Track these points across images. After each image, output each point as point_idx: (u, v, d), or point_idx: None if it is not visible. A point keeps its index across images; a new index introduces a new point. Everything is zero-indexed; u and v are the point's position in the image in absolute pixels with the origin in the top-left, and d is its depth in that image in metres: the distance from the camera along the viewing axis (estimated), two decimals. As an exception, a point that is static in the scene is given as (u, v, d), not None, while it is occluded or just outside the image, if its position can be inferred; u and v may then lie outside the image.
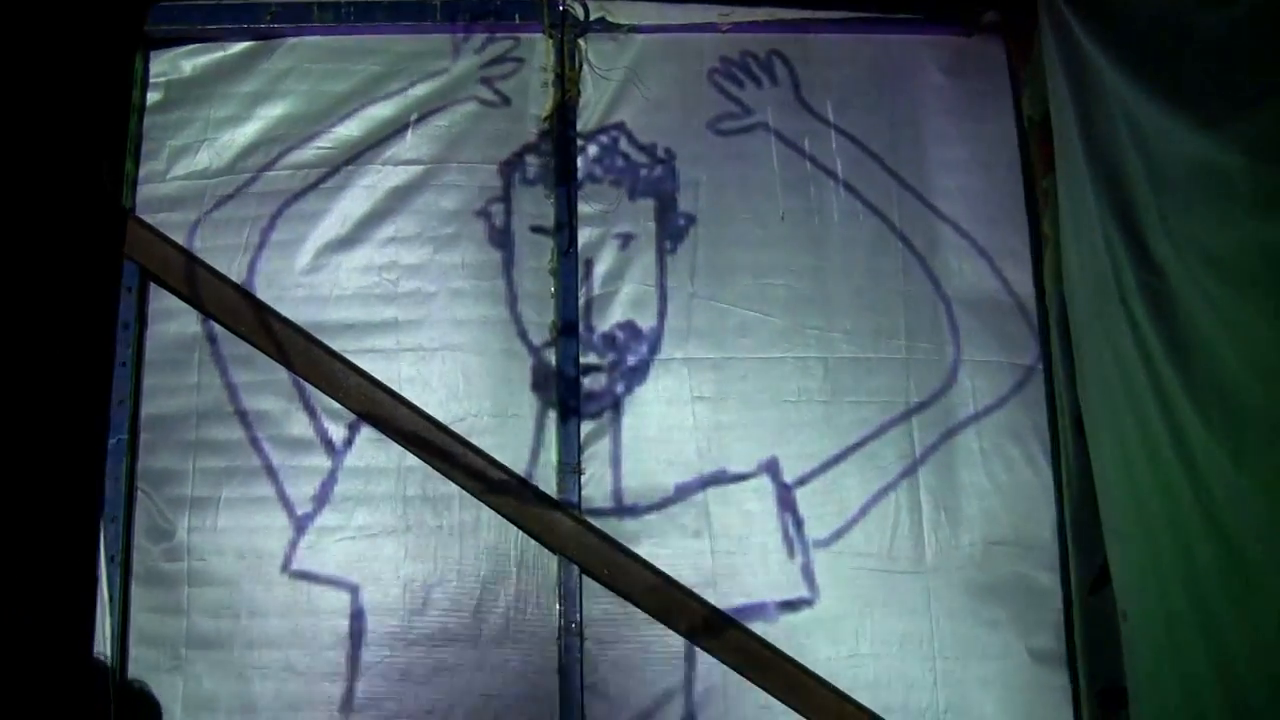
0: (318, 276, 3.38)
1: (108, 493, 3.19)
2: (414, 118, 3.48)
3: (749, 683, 3.17)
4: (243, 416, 3.30)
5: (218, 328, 3.34)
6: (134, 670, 3.15)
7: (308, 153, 3.45)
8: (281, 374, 3.30)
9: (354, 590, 3.19)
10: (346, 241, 3.40)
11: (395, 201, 3.42)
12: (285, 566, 3.21)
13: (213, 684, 3.15)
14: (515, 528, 3.23)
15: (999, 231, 3.50)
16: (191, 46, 3.53)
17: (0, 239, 2.94)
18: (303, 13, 3.51)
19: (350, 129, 3.46)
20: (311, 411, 3.30)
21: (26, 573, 2.68)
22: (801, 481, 3.30)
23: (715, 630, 3.18)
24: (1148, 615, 2.88)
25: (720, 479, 3.29)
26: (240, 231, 3.39)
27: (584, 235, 3.43)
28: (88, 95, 3.27)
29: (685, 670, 3.20)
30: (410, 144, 3.46)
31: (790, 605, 3.23)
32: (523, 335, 3.36)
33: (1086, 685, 3.16)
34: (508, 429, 3.30)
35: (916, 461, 3.32)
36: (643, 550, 3.22)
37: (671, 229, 3.45)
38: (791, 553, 3.25)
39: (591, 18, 3.55)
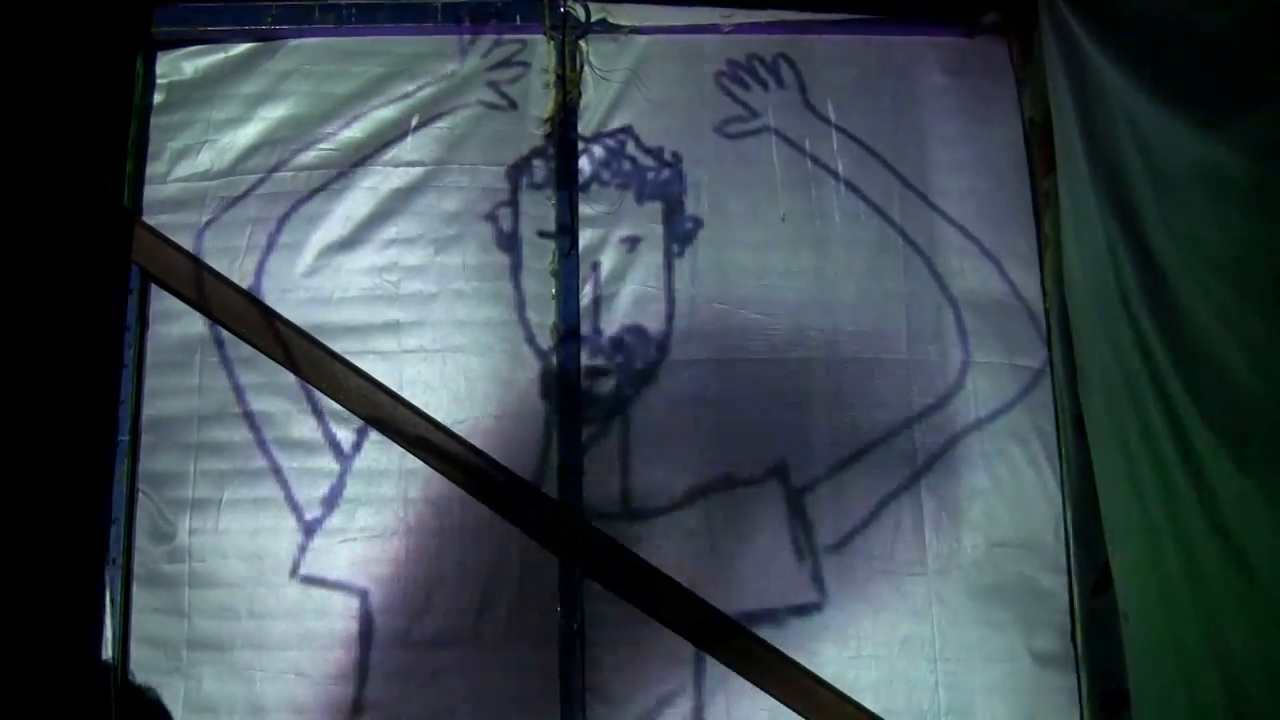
0: (320, 278, 3.38)
1: (110, 494, 3.19)
2: (416, 120, 3.48)
3: (751, 686, 3.16)
4: (249, 418, 3.30)
5: (223, 329, 3.34)
6: (135, 672, 3.14)
7: (310, 155, 3.45)
8: (289, 376, 3.30)
9: (362, 594, 3.19)
10: (349, 243, 3.40)
11: (397, 203, 3.42)
12: (295, 570, 3.20)
13: (213, 686, 3.14)
14: (517, 530, 3.23)
15: (1005, 233, 3.50)
16: (193, 48, 3.54)
17: (3, 241, 2.95)
18: (304, 14, 3.52)
19: (353, 131, 3.47)
20: (319, 414, 3.30)
21: (31, 574, 2.69)
22: (810, 485, 3.29)
23: (718, 633, 3.17)
24: (1150, 617, 2.88)
25: (727, 483, 3.28)
26: (244, 233, 3.39)
27: (591, 238, 3.43)
28: (90, 97, 3.29)
29: (687, 673, 3.19)
30: (412, 146, 3.46)
31: (799, 610, 3.22)
32: (530, 339, 3.36)
33: (1089, 687, 3.17)
34: (511, 431, 3.29)
35: (922, 464, 3.32)
36: (648, 553, 3.21)
37: (679, 232, 3.45)
38: (800, 557, 3.25)
39: (593, 19, 3.55)
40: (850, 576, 3.24)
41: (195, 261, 3.35)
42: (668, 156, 3.51)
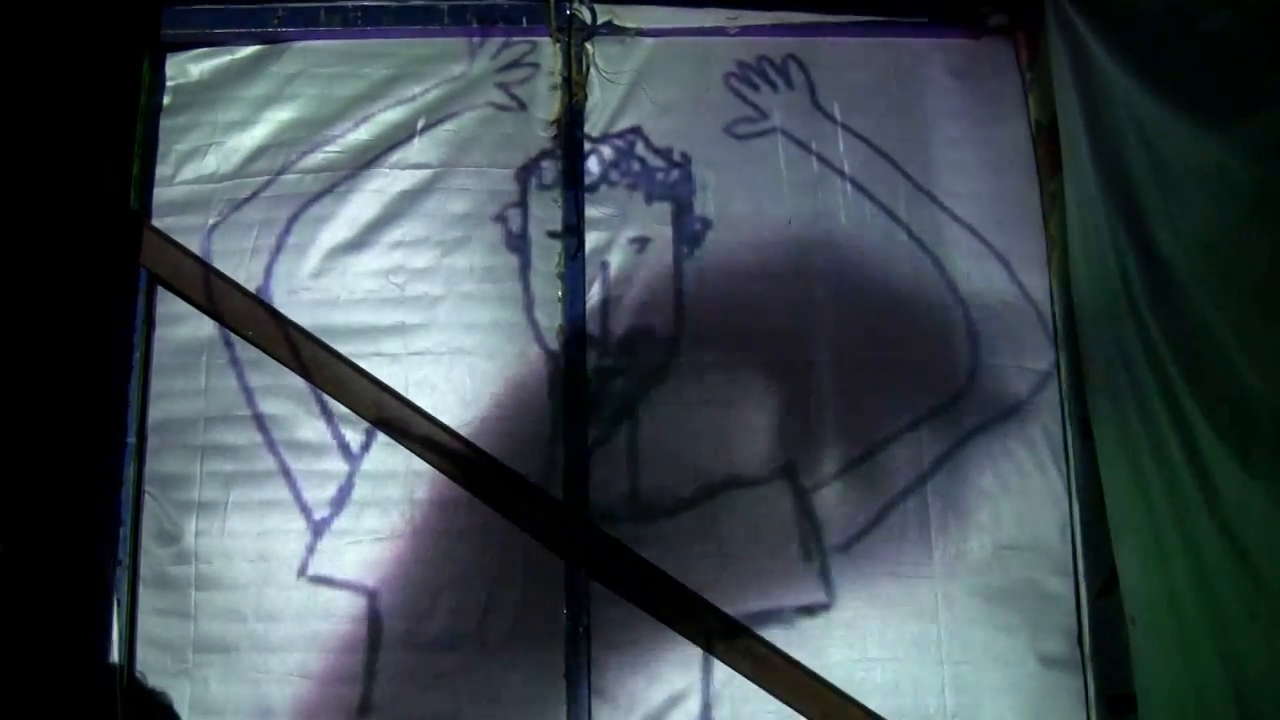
0: (327, 281, 3.38)
1: (116, 496, 3.19)
2: (423, 122, 3.48)
3: (758, 688, 3.16)
4: (259, 420, 3.30)
5: (231, 331, 3.34)
6: (141, 674, 3.14)
7: (318, 157, 3.45)
8: (296, 377, 3.30)
9: (370, 594, 3.19)
10: (355, 245, 3.40)
11: (404, 205, 3.43)
12: (303, 571, 3.20)
13: (220, 688, 3.14)
14: (524, 531, 3.23)
15: (1013, 234, 3.50)
16: (199, 50, 3.54)
17: (9, 242, 2.96)
18: (311, 16, 3.53)
19: (360, 133, 3.47)
20: (328, 416, 3.30)
21: (37, 576, 2.69)
22: (819, 485, 3.29)
23: (724, 635, 3.17)
24: (1157, 620, 2.87)
25: (736, 483, 3.28)
26: (251, 236, 3.40)
27: (600, 239, 3.43)
28: (96, 100, 3.29)
29: (693, 675, 3.19)
30: (419, 148, 3.47)
31: (808, 610, 3.22)
32: (539, 340, 3.36)
33: (1096, 690, 3.16)
34: (518, 433, 3.30)
35: (929, 466, 3.31)
36: (656, 554, 3.21)
37: (687, 232, 3.45)
38: (809, 557, 3.24)
39: (599, 21, 3.55)
40: (858, 577, 3.24)
41: (202, 264, 3.35)
42: (677, 157, 3.51)
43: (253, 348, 3.33)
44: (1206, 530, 2.59)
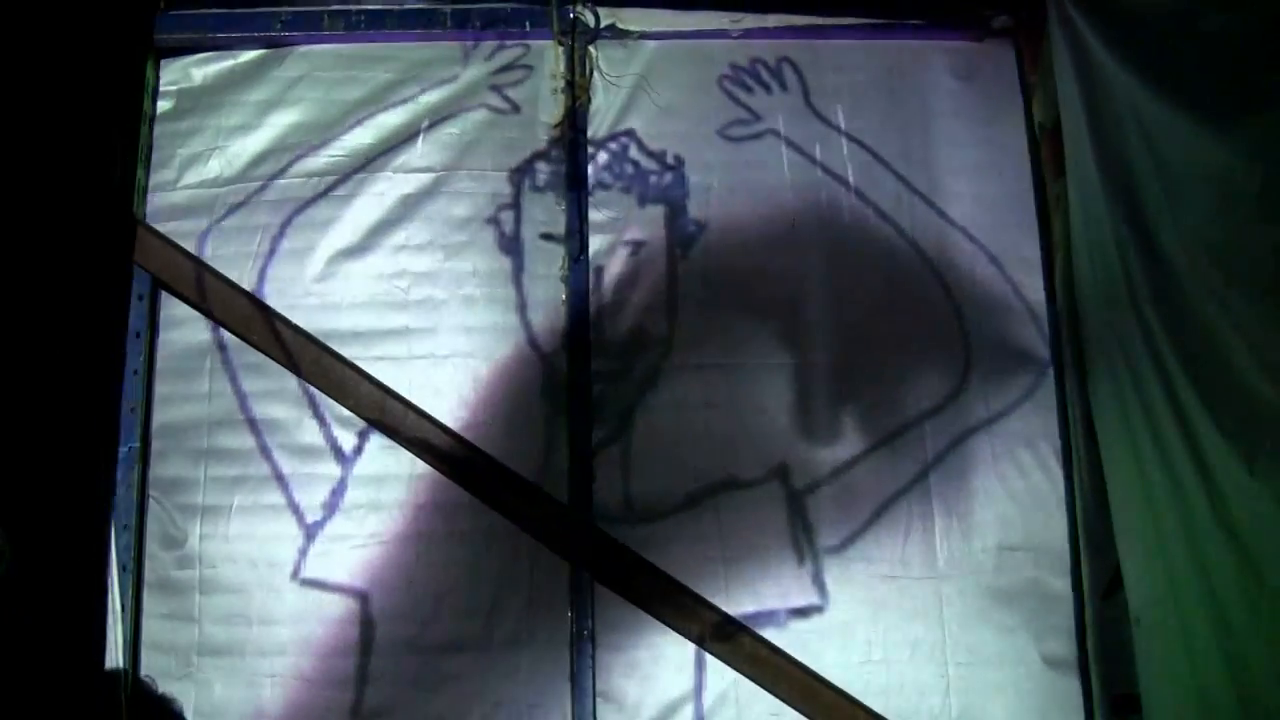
0: (329, 284, 3.38)
1: (119, 501, 3.20)
2: (425, 125, 3.48)
3: (760, 689, 3.16)
4: (253, 424, 3.30)
5: (228, 336, 3.34)
6: (144, 678, 3.15)
7: (319, 160, 3.45)
8: (292, 382, 3.31)
9: (364, 598, 3.19)
10: (357, 249, 3.40)
11: (406, 209, 3.43)
12: (295, 574, 3.20)
13: (223, 691, 3.14)
14: (526, 534, 3.23)
15: (1010, 237, 3.50)
16: (202, 55, 3.54)
17: (12, 246, 2.96)
18: (313, 21, 3.52)
19: (361, 137, 3.47)
20: (321, 419, 3.30)
21: (41, 581, 2.69)
22: (812, 488, 3.29)
23: (727, 637, 3.17)
24: (1161, 621, 2.88)
25: (731, 485, 3.28)
26: (251, 239, 3.40)
27: (595, 242, 3.43)
28: (99, 104, 3.29)
29: (697, 677, 3.19)
30: (421, 151, 3.47)
31: (801, 612, 3.22)
32: (532, 342, 3.36)
33: (1100, 691, 3.16)
34: (519, 436, 3.29)
35: (928, 467, 3.31)
36: (653, 556, 3.21)
37: (682, 235, 3.44)
38: (801, 559, 3.25)
39: (602, 25, 3.55)
40: (852, 579, 3.24)
41: (203, 267, 3.35)
42: (670, 160, 3.51)
43: (251, 352, 3.33)
44: (1210, 530, 2.60)
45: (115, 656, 3.11)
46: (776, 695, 3.15)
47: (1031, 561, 3.28)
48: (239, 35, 3.53)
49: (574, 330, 3.35)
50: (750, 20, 3.55)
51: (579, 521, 3.22)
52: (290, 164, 3.45)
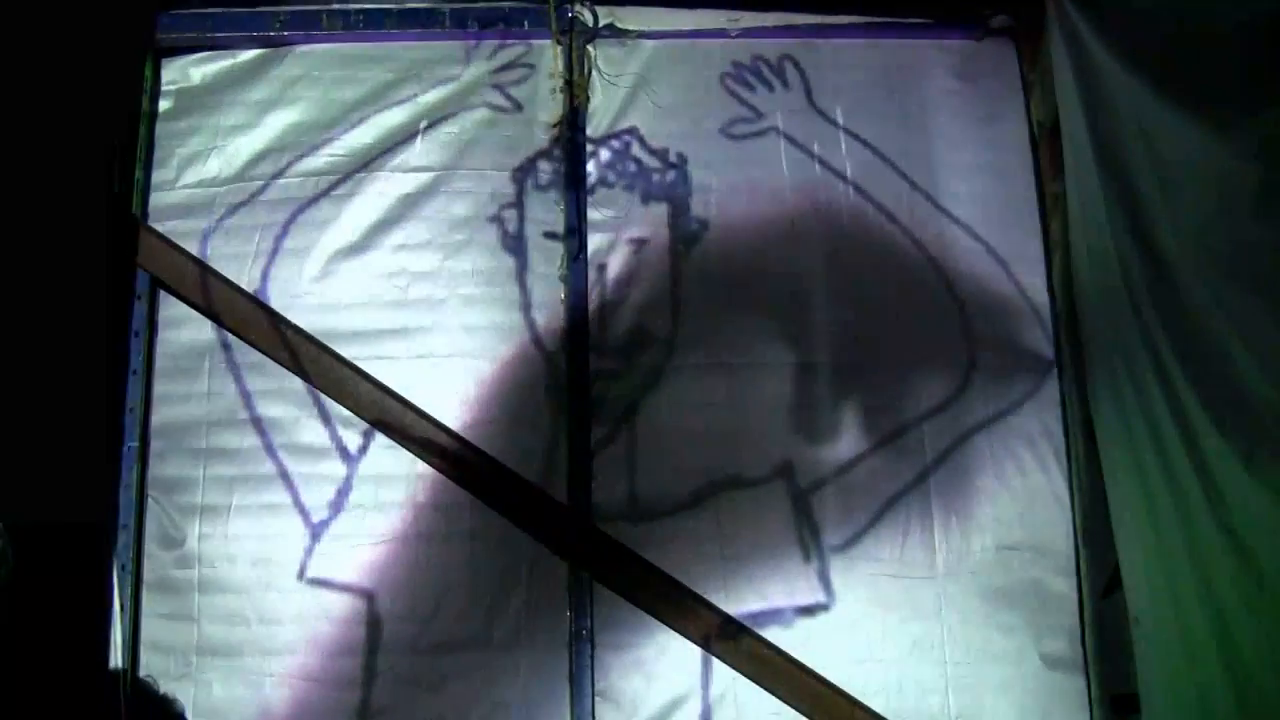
0: (329, 283, 3.38)
1: (119, 500, 3.20)
2: (424, 124, 3.48)
3: (760, 689, 3.16)
4: (257, 423, 3.30)
5: (232, 335, 3.34)
6: (143, 678, 3.15)
7: (319, 160, 3.45)
8: (296, 381, 3.31)
9: (369, 597, 3.19)
10: (357, 248, 3.40)
11: (406, 208, 3.43)
12: (301, 574, 3.20)
13: (223, 691, 3.15)
14: (526, 534, 3.23)
15: (1012, 236, 3.49)
16: (200, 54, 3.54)
17: (10, 246, 2.96)
18: (312, 20, 3.52)
19: (361, 136, 3.47)
20: (326, 418, 3.30)
21: (40, 581, 2.69)
22: (816, 486, 3.29)
23: (727, 637, 3.18)
24: (1160, 620, 2.88)
25: (735, 483, 3.28)
26: (253, 239, 3.40)
27: (597, 241, 3.43)
28: (98, 104, 3.28)
29: (696, 676, 3.19)
30: (421, 151, 3.47)
31: (807, 610, 3.22)
32: (536, 342, 3.36)
33: (1099, 691, 3.16)
34: (523, 435, 3.30)
35: (929, 466, 3.31)
36: (655, 555, 3.22)
37: (685, 233, 3.44)
38: (807, 558, 3.25)
39: (600, 24, 3.55)
40: (857, 577, 3.24)
41: (203, 267, 3.36)
42: (673, 158, 3.50)
43: (252, 351, 3.33)
44: (1209, 529, 2.60)
45: (114, 656, 3.11)
46: (776, 695, 3.16)
47: (1031, 561, 3.28)
48: (238, 35, 3.53)
49: (573, 329, 3.35)
50: (749, 19, 3.55)
51: (577, 521, 3.22)
52: (290, 163, 3.45)
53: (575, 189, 3.44)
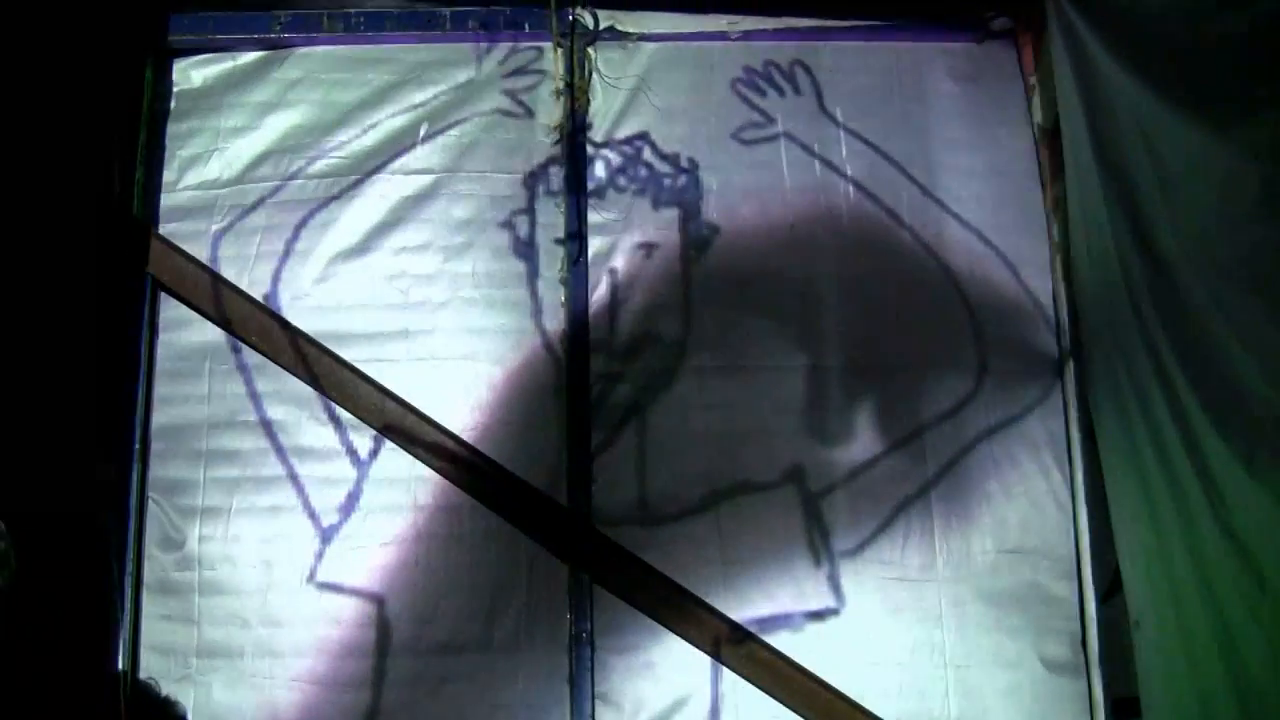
0: (331, 286, 3.38)
1: (119, 501, 3.19)
2: (426, 128, 3.48)
3: (762, 693, 3.16)
4: (265, 425, 3.30)
5: (232, 337, 3.34)
6: (143, 680, 3.15)
7: (320, 163, 3.46)
8: (300, 383, 3.30)
9: (378, 600, 3.19)
10: (359, 251, 3.40)
11: (408, 211, 3.43)
12: (310, 577, 3.20)
13: (223, 694, 3.15)
14: (527, 537, 3.23)
15: (1018, 238, 3.49)
16: (202, 57, 3.55)
17: (13, 248, 2.96)
18: (313, 23, 3.53)
19: (362, 139, 3.47)
20: (336, 421, 3.30)
21: (42, 583, 2.69)
22: (827, 490, 3.28)
23: (727, 640, 3.17)
24: (1161, 623, 2.87)
25: (743, 488, 3.28)
26: (256, 242, 3.40)
27: (607, 244, 3.42)
28: (100, 106, 3.29)
29: (697, 680, 3.19)
30: (422, 154, 3.47)
31: (817, 615, 3.22)
32: (547, 346, 3.36)
33: (1101, 694, 3.16)
34: (533, 438, 3.30)
35: (941, 470, 3.31)
36: (662, 559, 3.21)
37: (695, 238, 3.44)
38: (817, 562, 3.24)
39: (601, 27, 3.55)
40: (867, 582, 3.24)
41: (205, 269, 3.36)
42: (684, 163, 3.51)
43: (258, 353, 3.33)
44: (1210, 533, 2.59)
45: (115, 658, 3.11)
46: (776, 698, 3.15)
47: (1034, 565, 3.28)
48: (239, 37, 3.53)
49: (574, 332, 3.35)
50: (749, 23, 3.56)
51: (577, 524, 3.21)
52: (296, 166, 3.45)
53: (576, 192, 3.44)
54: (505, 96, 3.53)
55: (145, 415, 3.29)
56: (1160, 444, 2.80)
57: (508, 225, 3.43)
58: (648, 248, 3.43)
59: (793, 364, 3.36)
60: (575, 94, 3.51)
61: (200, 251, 3.39)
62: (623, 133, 3.52)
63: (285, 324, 3.32)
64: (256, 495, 3.25)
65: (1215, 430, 2.56)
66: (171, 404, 3.32)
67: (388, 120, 3.49)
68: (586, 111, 3.52)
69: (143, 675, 3.15)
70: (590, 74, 3.53)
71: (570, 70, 3.52)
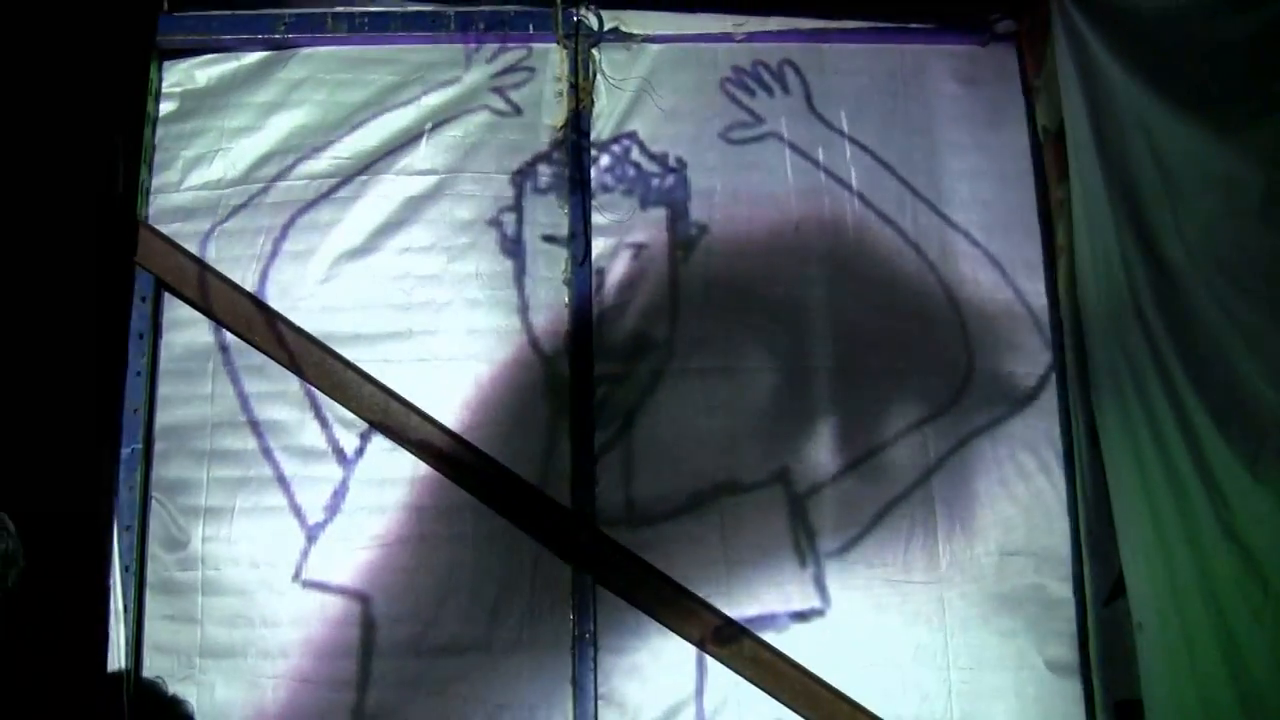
0: (331, 286, 3.38)
1: (122, 502, 3.20)
2: (428, 127, 3.48)
3: (762, 692, 3.16)
4: (255, 426, 3.30)
5: (231, 337, 3.34)
6: (146, 680, 3.14)
7: (322, 162, 3.45)
8: (294, 384, 3.31)
9: (365, 600, 3.18)
10: (360, 251, 3.40)
11: (409, 211, 3.42)
12: (296, 576, 3.20)
13: (225, 693, 3.14)
14: (528, 537, 3.23)
15: (1012, 241, 3.49)
16: (205, 57, 3.54)
17: (15, 248, 2.96)
18: (316, 23, 3.52)
19: (364, 139, 3.47)
20: (324, 421, 3.30)
21: (44, 583, 2.69)
22: (813, 491, 3.29)
23: (728, 640, 3.18)
24: (1164, 626, 2.87)
25: (732, 488, 3.28)
26: (254, 241, 3.39)
27: (597, 245, 3.42)
28: (102, 106, 3.29)
29: (698, 679, 3.19)
30: (424, 154, 3.47)
31: (802, 615, 3.22)
32: (534, 344, 3.36)
33: (1102, 697, 3.15)
34: (521, 438, 3.29)
35: (930, 471, 3.31)
36: (656, 559, 3.21)
37: (684, 238, 3.44)
38: (803, 562, 3.24)
39: (605, 28, 3.55)
40: (853, 583, 3.24)
41: (207, 269, 3.36)
42: (672, 162, 3.50)
43: (251, 353, 3.33)
44: (1212, 535, 2.60)
45: (117, 658, 3.10)
46: (777, 699, 3.15)
47: (1034, 566, 3.28)
48: (242, 37, 3.53)
49: (577, 333, 3.34)
50: (753, 24, 3.55)
51: (581, 524, 3.22)
52: (294, 165, 3.45)
53: (579, 193, 3.44)
54: (495, 95, 3.52)
55: (148, 415, 3.28)
56: (1163, 446, 2.81)
57: (496, 224, 3.43)
58: (637, 248, 3.43)
59: (780, 365, 3.36)
60: (579, 95, 3.51)
61: (202, 251, 3.38)
62: (621, 133, 3.52)
63: (286, 323, 3.32)
64: (256, 495, 3.25)
65: (1218, 432, 2.57)
66: (175, 404, 3.31)
67: (391, 120, 3.48)
68: (590, 112, 3.51)
69: (145, 675, 3.14)
70: (594, 75, 3.53)
71: (574, 71, 3.52)
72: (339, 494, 3.25)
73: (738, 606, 3.21)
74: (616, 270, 3.42)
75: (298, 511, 3.24)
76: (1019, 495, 3.32)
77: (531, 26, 3.54)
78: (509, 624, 3.17)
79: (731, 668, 3.17)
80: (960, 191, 3.52)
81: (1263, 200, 2.43)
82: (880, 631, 3.21)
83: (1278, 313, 2.41)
